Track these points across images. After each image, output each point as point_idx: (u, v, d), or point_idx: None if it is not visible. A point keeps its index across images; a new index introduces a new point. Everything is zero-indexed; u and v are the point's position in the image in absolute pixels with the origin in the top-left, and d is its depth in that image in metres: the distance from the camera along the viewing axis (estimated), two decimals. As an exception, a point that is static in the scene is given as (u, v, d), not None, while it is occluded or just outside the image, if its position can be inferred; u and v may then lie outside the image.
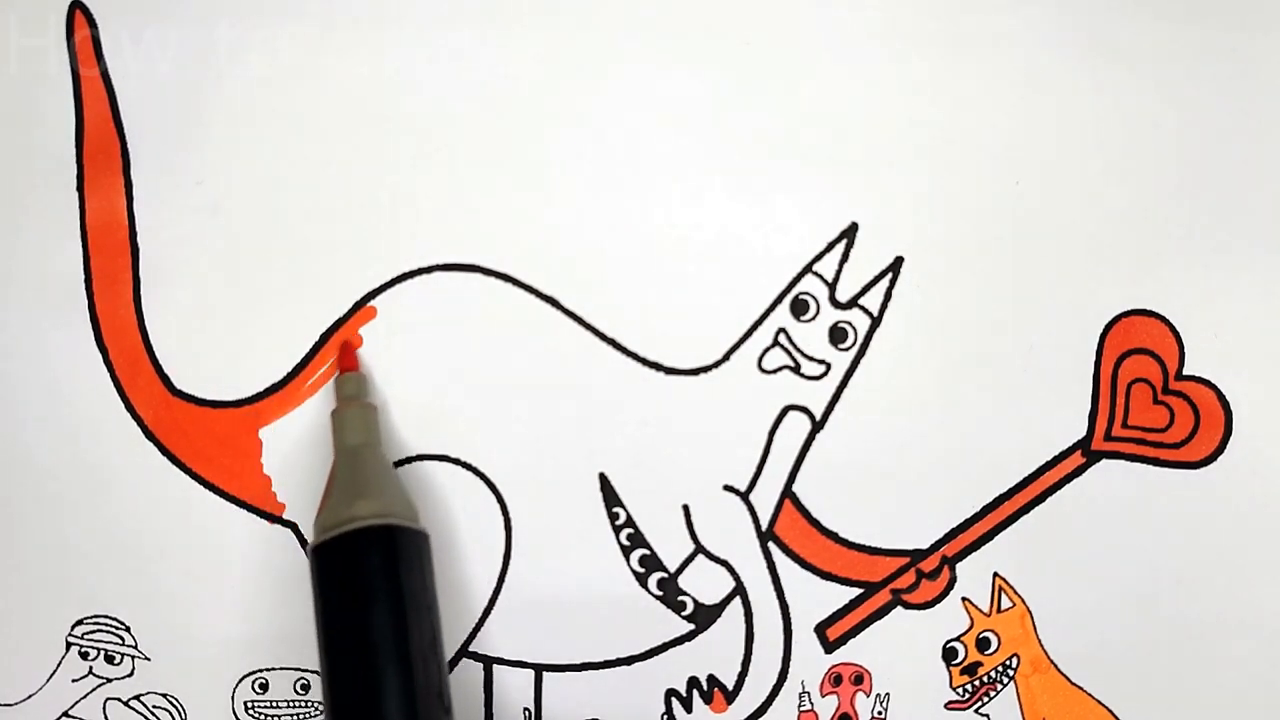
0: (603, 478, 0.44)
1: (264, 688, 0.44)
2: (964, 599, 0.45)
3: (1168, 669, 0.45)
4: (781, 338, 0.44)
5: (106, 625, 0.44)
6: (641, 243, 0.44)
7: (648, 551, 0.44)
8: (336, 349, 0.44)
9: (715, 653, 0.45)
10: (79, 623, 0.44)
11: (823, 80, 0.44)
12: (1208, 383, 0.45)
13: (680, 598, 0.45)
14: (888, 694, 0.46)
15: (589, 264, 0.44)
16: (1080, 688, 0.46)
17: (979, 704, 0.46)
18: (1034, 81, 0.44)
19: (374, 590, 0.39)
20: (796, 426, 0.44)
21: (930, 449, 0.45)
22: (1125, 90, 0.44)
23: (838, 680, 0.45)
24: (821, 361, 0.44)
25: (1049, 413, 0.45)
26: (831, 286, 0.44)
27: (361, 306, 0.44)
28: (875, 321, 0.44)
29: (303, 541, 0.44)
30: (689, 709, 0.45)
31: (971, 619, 0.45)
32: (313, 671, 0.44)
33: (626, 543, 0.44)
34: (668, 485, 0.44)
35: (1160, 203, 0.45)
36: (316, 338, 0.44)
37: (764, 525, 0.45)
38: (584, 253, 0.44)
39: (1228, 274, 0.45)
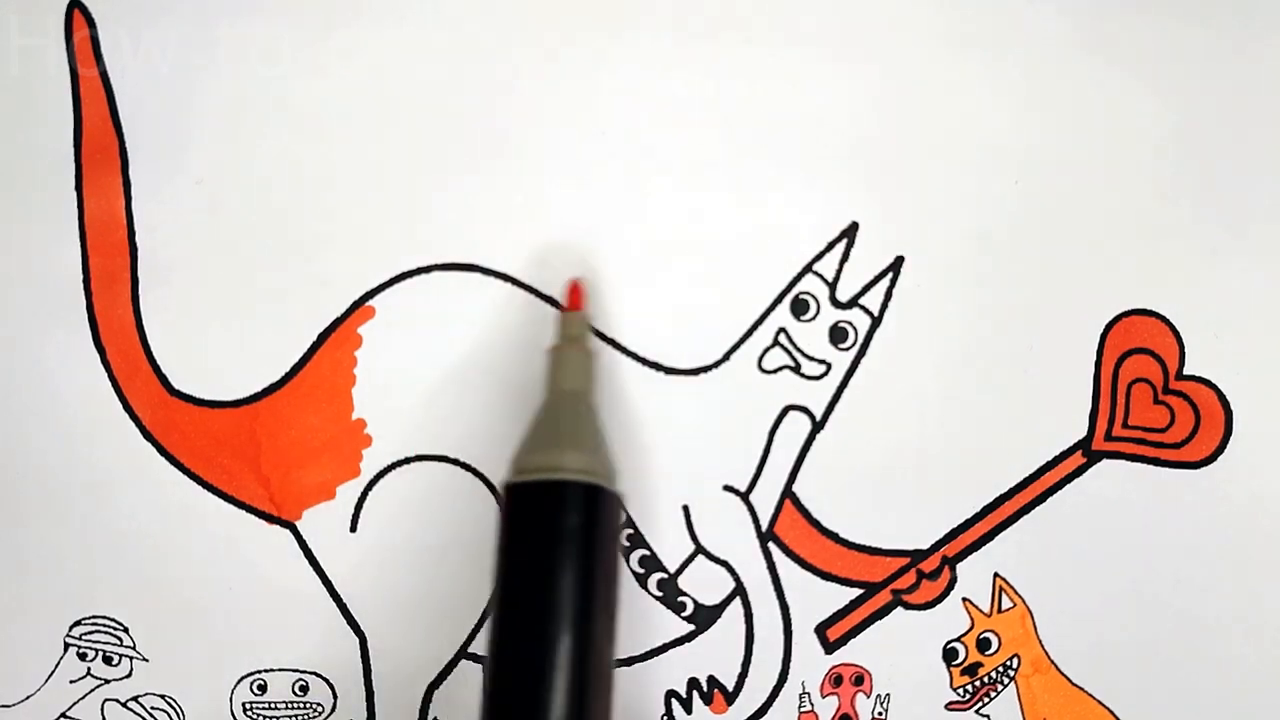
0: (602, 478, 0.44)
1: (262, 689, 0.44)
2: (964, 599, 0.45)
3: (1168, 669, 0.45)
4: (782, 337, 0.44)
5: (104, 626, 0.44)
6: (641, 243, 0.44)
7: (647, 552, 0.44)
8: (334, 349, 0.43)
9: (715, 653, 0.45)
10: (77, 623, 0.44)
11: (823, 80, 0.44)
12: (1208, 383, 0.45)
13: (680, 598, 0.45)
14: (888, 695, 0.45)
15: (589, 264, 0.44)
16: (1081, 688, 0.45)
17: (979, 704, 0.46)
18: (1034, 81, 0.44)
19: (564, 550, 0.37)
20: (796, 426, 0.44)
21: (930, 449, 0.45)
22: (1125, 90, 0.44)
23: (838, 681, 0.45)
24: (822, 361, 0.44)
25: (1049, 413, 0.45)
26: (832, 286, 0.44)
27: (360, 306, 0.44)
28: (875, 321, 0.44)
29: (302, 542, 0.44)
30: (689, 710, 0.45)
31: (972, 619, 0.45)
32: (311, 673, 0.44)
33: (626, 543, 0.44)
34: (668, 485, 0.44)
35: (1160, 203, 0.45)
36: (314, 337, 0.44)
37: (764, 525, 0.45)
38: (584, 253, 0.44)
39: (1228, 274, 0.45)
